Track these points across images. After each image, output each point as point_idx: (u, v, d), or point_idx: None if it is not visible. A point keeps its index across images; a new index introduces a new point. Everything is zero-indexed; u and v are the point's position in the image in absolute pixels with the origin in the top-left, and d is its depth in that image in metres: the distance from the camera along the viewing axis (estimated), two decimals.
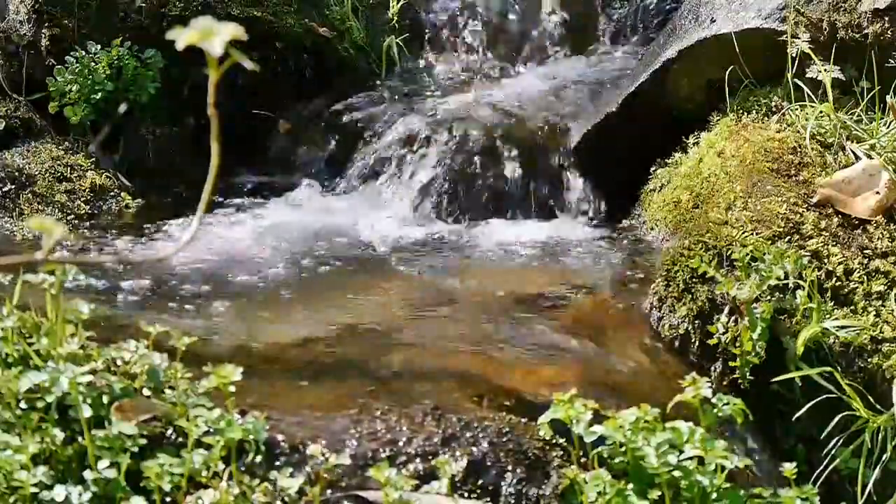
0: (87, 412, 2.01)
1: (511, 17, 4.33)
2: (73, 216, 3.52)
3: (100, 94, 3.69)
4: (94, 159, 3.72)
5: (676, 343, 2.83)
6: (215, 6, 3.86)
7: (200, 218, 1.40)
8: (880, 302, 2.84)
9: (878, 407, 2.69)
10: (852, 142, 3.16)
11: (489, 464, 2.17)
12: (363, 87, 4.04)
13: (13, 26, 3.84)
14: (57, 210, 3.51)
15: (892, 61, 3.19)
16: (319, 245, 3.38)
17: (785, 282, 2.78)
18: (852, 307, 2.82)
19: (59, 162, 3.63)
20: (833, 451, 2.68)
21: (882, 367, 2.75)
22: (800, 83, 3.23)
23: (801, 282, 2.79)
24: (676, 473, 2.11)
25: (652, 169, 3.43)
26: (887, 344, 2.78)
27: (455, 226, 3.56)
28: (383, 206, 3.67)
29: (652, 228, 3.28)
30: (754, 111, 3.27)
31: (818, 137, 3.16)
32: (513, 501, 2.14)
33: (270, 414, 2.17)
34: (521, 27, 4.31)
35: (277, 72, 3.94)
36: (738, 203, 2.98)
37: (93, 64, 3.69)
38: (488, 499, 2.13)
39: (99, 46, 3.72)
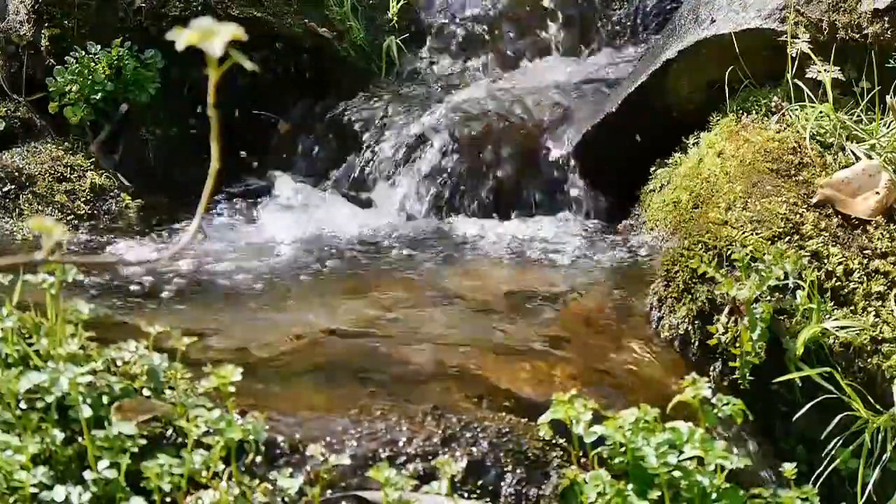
0: (87, 412, 2.01)
1: (511, 17, 4.33)
2: (73, 216, 3.52)
3: (100, 94, 3.69)
4: (94, 159, 3.72)
5: (676, 343, 2.83)
6: (215, 6, 3.86)
7: (200, 218, 1.41)
8: (880, 302, 2.84)
9: (878, 407, 2.70)
10: (852, 142, 3.16)
11: (489, 464, 2.17)
12: (363, 87, 4.04)
13: (13, 26, 3.84)
14: (57, 210, 3.51)
15: (892, 61, 3.19)
16: (318, 245, 3.38)
17: (785, 282, 2.78)
18: (852, 307, 2.83)
19: (59, 162, 3.63)
20: (833, 451, 2.68)
21: (882, 367, 2.75)
22: (800, 83, 3.23)
23: (800, 282, 2.79)
24: (676, 473, 2.11)
25: (652, 169, 3.43)
26: (887, 344, 2.78)
27: (454, 225, 3.56)
28: (382, 206, 3.67)
29: (652, 228, 3.28)
30: (754, 111, 3.27)
31: (818, 137, 3.16)
32: (513, 501, 2.14)
33: (270, 414, 2.17)
34: (520, 27, 4.30)
35: (277, 72, 3.94)
36: (737, 203, 2.98)
37: (93, 64, 3.69)
38: (488, 499, 2.13)
39: (99, 46, 3.72)
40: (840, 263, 2.87)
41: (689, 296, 2.83)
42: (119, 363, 2.17)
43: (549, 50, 4.27)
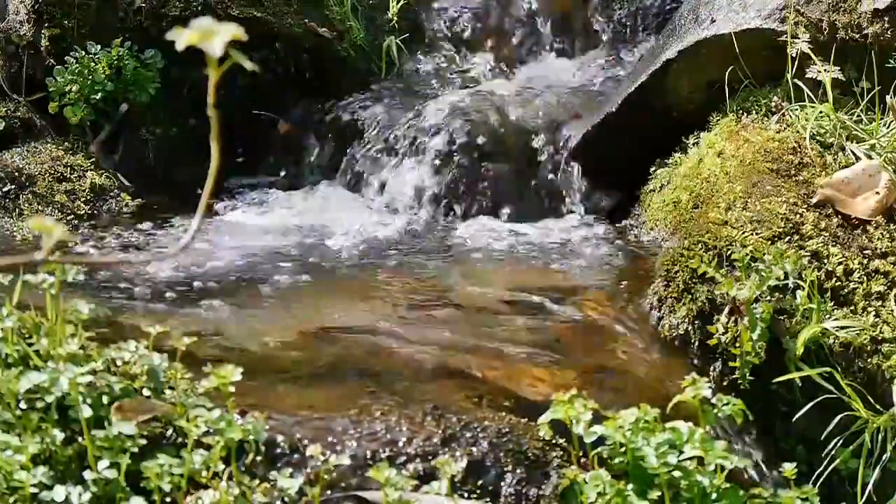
0: (87, 412, 2.01)
1: (511, 17, 4.33)
2: (73, 216, 3.51)
3: (100, 94, 3.69)
4: (94, 159, 3.72)
5: (676, 343, 2.83)
6: (215, 6, 3.86)
7: (200, 219, 1.41)
8: (880, 302, 2.84)
9: (878, 407, 2.70)
10: (852, 142, 3.16)
11: (489, 464, 2.17)
12: (363, 87, 4.03)
13: (13, 26, 3.84)
14: (57, 210, 3.51)
15: (892, 61, 3.19)
16: (319, 244, 3.38)
17: (785, 282, 2.78)
18: (852, 307, 2.82)
19: (59, 162, 3.63)
20: (833, 451, 2.68)
21: (882, 367, 2.75)
22: (800, 83, 3.23)
23: (800, 282, 2.79)
24: (676, 474, 2.11)
25: (652, 169, 3.43)
26: (887, 344, 2.78)
27: (454, 225, 3.56)
28: (382, 206, 3.67)
29: (652, 228, 3.28)
30: (754, 111, 3.27)
31: (818, 137, 3.16)
32: (513, 501, 2.14)
33: (270, 414, 2.17)
34: (521, 27, 4.30)
35: (277, 72, 3.94)
36: (737, 203, 2.98)
37: (93, 64, 3.69)
38: (488, 499, 2.13)
39: (99, 46, 3.72)
40: (840, 263, 2.87)
41: (689, 296, 2.83)
42: (119, 363, 2.17)
43: (550, 50, 4.27)
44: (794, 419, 2.70)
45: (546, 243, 3.40)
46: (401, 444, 2.17)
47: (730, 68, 3.31)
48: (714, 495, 2.12)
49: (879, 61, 3.20)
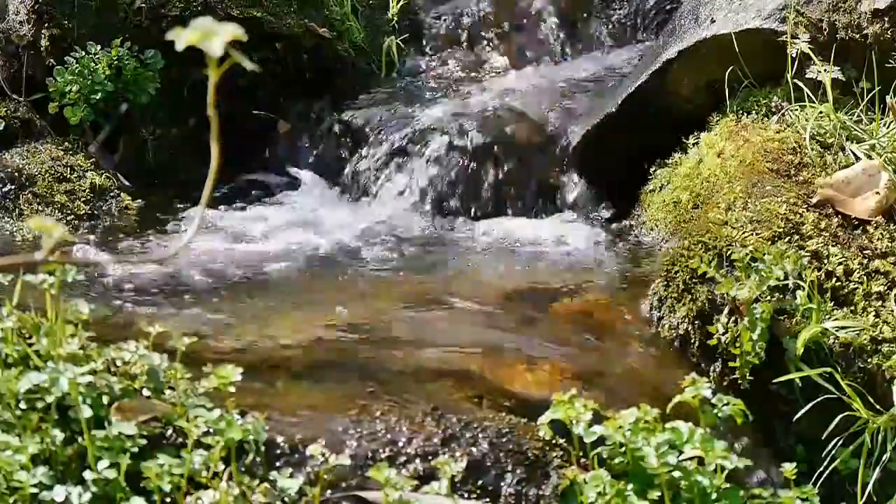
0: (87, 412, 2.01)
1: (512, 17, 4.33)
2: (73, 216, 3.51)
3: (99, 94, 3.69)
4: (93, 159, 3.71)
5: (676, 343, 2.83)
6: (215, 6, 3.86)
7: (200, 219, 1.41)
8: (880, 302, 2.84)
9: (878, 407, 2.69)
10: (852, 142, 3.16)
11: (489, 464, 2.17)
12: (363, 88, 4.03)
13: (13, 26, 3.84)
14: (57, 210, 3.51)
15: (892, 61, 3.19)
16: (319, 245, 3.38)
17: (785, 282, 2.78)
18: (852, 307, 2.82)
19: (58, 162, 3.63)
20: (833, 451, 2.68)
21: (882, 367, 2.75)
22: (800, 83, 3.23)
23: (800, 282, 2.79)
24: (676, 474, 2.12)
25: (652, 169, 3.43)
26: (887, 344, 2.78)
27: (454, 226, 3.56)
28: (382, 206, 3.67)
29: (652, 229, 3.28)
30: (754, 111, 3.27)
31: (818, 138, 3.16)
32: (513, 501, 2.14)
33: (270, 414, 2.17)
34: (520, 28, 4.31)
35: (277, 72, 3.94)
36: (737, 203, 2.98)
37: (93, 64, 3.69)
38: (488, 499, 2.14)
39: (99, 46, 3.72)
40: (840, 263, 2.87)
41: (689, 296, 2.83)
42: (119, 363, 2.17)
43: (550, 50, 4.27)
44: (794, 419, 2.70)
45: (546, 243, 3.40)
46: (401, 444, 2.17)
47: (730, 68, 3.31)
48: (714, 495, 2.12)
49: (879, 61, 3.20)
